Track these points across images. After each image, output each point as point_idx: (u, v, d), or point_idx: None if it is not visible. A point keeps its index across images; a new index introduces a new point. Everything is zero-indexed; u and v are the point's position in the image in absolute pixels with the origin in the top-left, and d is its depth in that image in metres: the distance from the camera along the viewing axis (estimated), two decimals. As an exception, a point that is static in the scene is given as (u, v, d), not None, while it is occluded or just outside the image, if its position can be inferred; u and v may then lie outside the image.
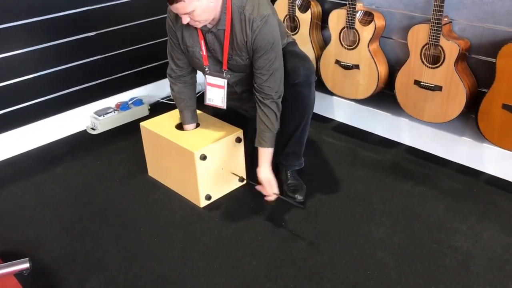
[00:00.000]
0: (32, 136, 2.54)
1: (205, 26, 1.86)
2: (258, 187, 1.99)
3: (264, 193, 1.97)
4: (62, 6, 2.46)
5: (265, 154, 1.98)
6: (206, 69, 2.01)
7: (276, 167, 2.20)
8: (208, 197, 2.07)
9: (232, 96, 2.14)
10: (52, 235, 1.94)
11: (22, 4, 2.31)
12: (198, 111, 2.22)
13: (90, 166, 2.39)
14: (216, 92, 2.05)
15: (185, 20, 1.77)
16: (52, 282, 1.72)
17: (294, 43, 2.13)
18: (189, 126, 2.15)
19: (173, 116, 2.24)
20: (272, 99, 1.93)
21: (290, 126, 2.05)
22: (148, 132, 2.16)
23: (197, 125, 2.17)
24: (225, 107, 2.07)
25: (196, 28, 1.92)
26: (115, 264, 1.78)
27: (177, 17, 1.92)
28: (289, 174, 2.16)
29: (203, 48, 1.96)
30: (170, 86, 2.14)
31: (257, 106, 1.96)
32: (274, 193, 1.95)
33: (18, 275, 1.73)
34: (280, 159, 2.17)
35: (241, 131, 2.10)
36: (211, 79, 2.03)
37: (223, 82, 2.01)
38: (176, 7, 1.72)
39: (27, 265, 1.73)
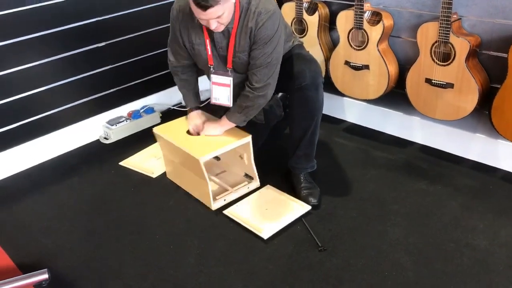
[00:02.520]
0: (46, 148, 2.57)
1: None
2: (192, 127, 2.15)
3: (192, 130, 2.13)
4: (72, 18, 2.49)
5: (225, 122, 2.07)
6: (211, 68, 2.02)
7: (289, 171, 2.20)
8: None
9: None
10: (69, 245, 1.96)
11: (34, 18, 2.34)
12: (208, 115, 2.24)
13: (105, 175, 2.41)
14: (222, 91, 2.05)
15: (214, 25, 1.77)
16: (71, 292, 1.74)
17: (301, 45, 2.13)
18: (193, 112, 2.20)
19: (186, 121, 2.26)
20: (251, 91, 1.93)
21: (299, 129, 2.04)
22: (160, 137, 2.19)
23: (199, 108, 2.23)
24: (231, 106, 2.07)
25: (201, 27, 1.92)
26: (132, 273, 1.79)
27: (182, 16, 1.94)
28: (302, 178, 2.15)
29: (208, 47, 1.97)
30: (172, 74, 2.20)
31: (244, 90, 1.97)
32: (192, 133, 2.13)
33: (38, 286, 1.75)
34: (292, 163, 2.17)
35: (250, 136, 2.11)
36: (216, 78, 2.03)
37: (228, 80, 2.01)
38: (210, 12, 1.71)
39: (46, 276, 1.75)
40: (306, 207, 2.03)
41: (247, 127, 2.15)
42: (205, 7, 1.68)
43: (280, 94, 2.20)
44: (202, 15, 1.73)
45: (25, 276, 1.75)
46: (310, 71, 1.94)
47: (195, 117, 2.20)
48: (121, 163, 2.47)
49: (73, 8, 2.47)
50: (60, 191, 2.31)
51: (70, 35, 2.51)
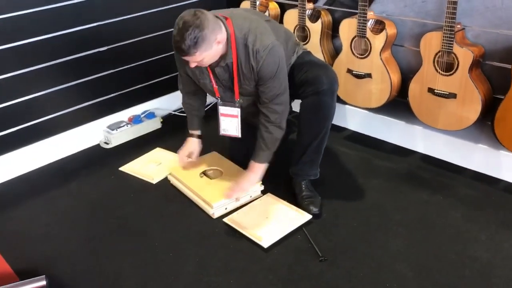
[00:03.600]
0: (46, 152, 2.55)
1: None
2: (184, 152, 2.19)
3: (234, 192, 2.06)
4: (73, 22, 2.48)
5: (258, 168, 2.03)
6: (219, 100, 2.03)
7: (290, 179, 2.18)
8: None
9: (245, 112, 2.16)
10: (67, 251, 1.94)
11: (35, 22, 2.33)
12: (219, 155, 2.35)
13: (104, 180, 2.40)
14: (230, 122, 2.07)
15: (192, 65, 1.81)
16: (69, 299, 1.72)
17: (308, 52, 2.12)
18: (194, 132, 2.24)
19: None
20: (274, 123, 1.95)
21: (309, 135, 2.02)
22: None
23: (200, 137, 2.27)
24: (240, 136, 2.08)
25: (206, 68, 1.95)
26: (131, 280, 1.78)
27: None
28: (303, 186, 2.13)
29: (213, 81, 1.99)
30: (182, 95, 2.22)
31: (260, 125, 1.97)
32: (237, 199, 2.10)
33: (35, 293, 1.73)
34: (295, 170, 2.15)
35: (260, 183, 2.16)
36: (223, 109, 2.05)
37: (236, 111, 2.02)
38: (186, 59, 1.78)
39: (44, 282, 1.73)
40: (307, 216, 2.02)
41: (250, 131, 2.16)
42: (181, 53, 1.74)
43: None
44: (182, 57, 1.79)
45: (23, 283, 1.72)
46: (327, 77, 1.92)
47: (191, 144, 2.24)
48: (121, 169, 2.45)
49: (74, 12, 2.46)
50: (59, 196, 2.29)
51: (71, 40, 2.50)
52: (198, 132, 2.25)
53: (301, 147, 2.06)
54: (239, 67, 1.89)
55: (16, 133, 2.44)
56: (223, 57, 1.87)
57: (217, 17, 1.81)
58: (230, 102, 2.02)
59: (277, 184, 2.24)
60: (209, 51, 1.76)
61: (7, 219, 2.14)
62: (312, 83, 1.91)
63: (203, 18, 1.70)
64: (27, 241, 2.01)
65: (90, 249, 1.95)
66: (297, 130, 2.08)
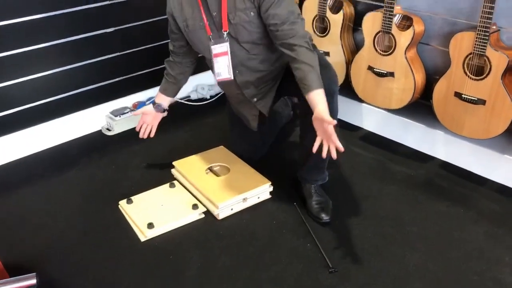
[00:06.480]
0: (44, 136, 2.42)
1: None
2: (327, 130, 1.59)
3: (334, 139, 1.59)
4: (80, 0, 2.34)
5: (318, 96, 1.64)
6: (210, 39, 1.85)
7: (298, 183, 2.06)
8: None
9: (239, 98, 2.02)
10: (62, 246, 1.82)
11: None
12: (227, 150, 2.24)
13: (104, 170, 2.27)
14: (222, 62, 1.88)
15: None
16: (60, 300, 1.61)
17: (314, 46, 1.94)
18: (154, 106, 2.11)
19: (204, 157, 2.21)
20: (305, 47, 1.70)
21: (311, 138, 1.88)
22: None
23: (165, 111, 2.16)
24: (232, 77, 1.90)
25: (196, 1, 1.80)
26: (128, 283, 1.66)
27: (180, 1, 1.86)
28: (313, 190, 2.00)
29: (204, 16, 1.82)
30: (166, 64, 2.10)
31: (292, 63, 1.73)
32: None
33: (24, 291, 1.62)
34: (303, 174, 2.02)
35: (269, 183, 2.02)
36: (216, 48, 1.86)
37: (225, 46, 1.84)
38: None
39: (34, 281, 1.61)
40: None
41: (254, 129, 2.04)
42: None
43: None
44: None
45: (11, 280, 1.61)
46: (325, 78, 1.74)
47: (150, 114, 2.12)
48: (120, 204, 2.04)
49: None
50: (57, 185, 2.17)
51: (77, 18, 2.35)
52: (164, 102, 2.12)
53: (304, 151, 1.91)
54: None
55: (14, 116, 2.31)
56: None
57: None
58: (219, 38, 1.85)
59: (286, 184, 2.11)
60: None
61: (-1, 207, 2.03)
62: None
63: None
64: (20, 233, 1.89)
65: (86, 245, 1.82)
66: (300, 133, 1.95)
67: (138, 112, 2.17)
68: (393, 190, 2.12)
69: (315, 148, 1.64)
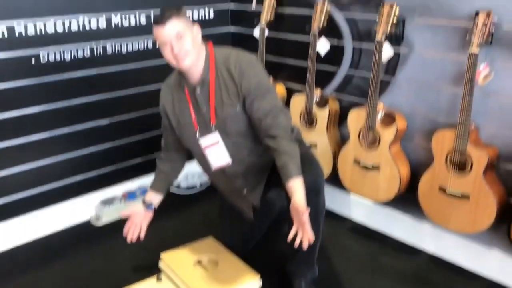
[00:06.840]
0: (32, 227, 2.40)
1: (193, 81, 1.83)
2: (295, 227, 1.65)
3: (306, 227, 1.61)
4: (77, 94, 2.43)
5: (296, 184, 1.69)
6: (197, 133, 1.90)
7: (288, 278, 2.03)
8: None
9: (229, 190, 2.05)
10: None
11: (35, 92, 2.27)
12: (216, 241, 2.19)
13: (92, 263, 2.23)
14: (215, 151, 1.91)
15: (176, 47, 1.71)
16: None
17: (300, 141, 2.00)
18: (150, 193, 2.09)
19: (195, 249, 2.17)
20: (286, 137, 1.77)
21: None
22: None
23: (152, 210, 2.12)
24: (230, 161, 1.92)
25: (186, 99, 1.88)
26: None
27: (167, 89, 1.95)
28: (303, 285, 1.98)
29: (192, 112, 1.89)
30: (157, 161, 2.14)
31: (273, 153, 1.78)
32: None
33: None
34: (292, 267, 2.01)
35: (258, 277, 1.98)
36: (204, 140, 1.90)
37: (215, 137, 1.88)
38: (168, 28, 1.69)
39: None
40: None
41: (245, 220, 2.03)
42: (159, 22, 1.68)
43: None
44: (160, 33, 1.70)
45: None
46: (310, 175, 1.77)
47: (140, 214, 2.08)
48: None
49: (76, 84, 2.42)
50: (44, 277, 2.12)
51: (73, 111, 2.43)
52: (155, 200, 2.10)
53: (293, 247, 1.90)
54: (219, 86, 1.82)
55: (1, 206, 2.31)
56: (202, 71, 1.82)
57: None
58: (207, 132, 1.89)
59: (274, 278, 2.08)
60: (187, 30, 1.73)
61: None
62: None
63: None
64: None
65: None
66: (287, 226, 1.95)
67: (126, 213, 2.10)
68: (383, 284, 2.10)
69: (289, 237, 1.65)
